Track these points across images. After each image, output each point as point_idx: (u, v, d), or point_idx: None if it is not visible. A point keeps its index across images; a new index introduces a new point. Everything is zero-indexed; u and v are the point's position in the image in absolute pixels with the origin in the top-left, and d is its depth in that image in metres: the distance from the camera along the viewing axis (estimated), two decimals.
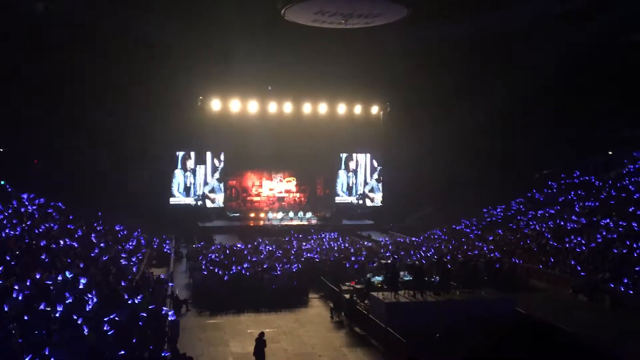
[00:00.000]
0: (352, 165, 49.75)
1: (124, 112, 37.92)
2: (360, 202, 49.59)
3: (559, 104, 40.22)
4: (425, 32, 35.12)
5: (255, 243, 33.26)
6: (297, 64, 39.32)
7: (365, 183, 49.81)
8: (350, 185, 49.56)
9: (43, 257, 18.28)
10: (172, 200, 44.50)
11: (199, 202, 45.34)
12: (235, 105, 43.71)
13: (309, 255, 29.43)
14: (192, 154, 45.31)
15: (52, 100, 35.04)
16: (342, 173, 49.53)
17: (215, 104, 43.41)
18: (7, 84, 32.10)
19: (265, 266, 25.39)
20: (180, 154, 44.89)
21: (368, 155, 49.90)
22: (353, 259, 27.95)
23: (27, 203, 27.47)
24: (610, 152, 42.96)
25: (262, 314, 21.26)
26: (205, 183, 45.82)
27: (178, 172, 45.09)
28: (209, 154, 45.83)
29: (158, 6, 31.37)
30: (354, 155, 49.73)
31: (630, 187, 35.20)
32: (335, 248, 32.22)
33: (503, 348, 1.44)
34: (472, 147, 43.50)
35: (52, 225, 24.75)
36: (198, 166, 45.54)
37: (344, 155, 49.52)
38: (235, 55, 35.76)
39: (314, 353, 17.25)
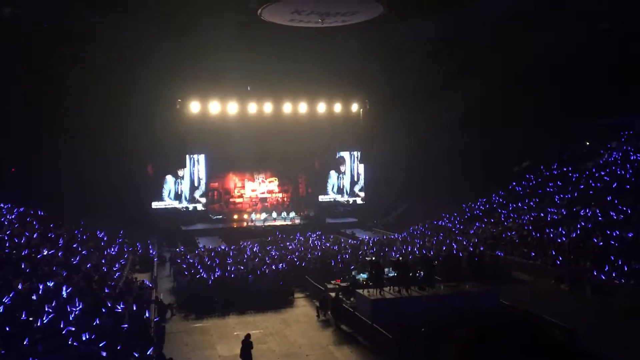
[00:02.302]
0: (342, 168, 49.98)
1: (102, 116, 37.46)
2: (351, 200, 49.69)
3: (536, 97, 40.72)
4: (401, 29, 35.29)
5: (240, 245, 33.17)
6: (275, 63, 39.29)
7: (356, 182, 49.91)
8: (341, 186, 49.71)
9: (24, 266, 18.03)
10: (155, 205, 44.20)
11: (190, 207, 45.13)
12: (214, 106, 43.54)
13: (293, 255, 29.42)
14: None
15: (27, 107, 34.56)
16: (332, 174, 49.61)
17: (194, 106, 43.19)
18: None
19: (250, 267, 25.35)
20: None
21: (357, 153, 50.04)
22: (338, 257, 28.02)
23: (5, 212, 27.05)
24: (587, 143, 43.58)
25: (248, 316, 21.22)
26: (196, 187, 45.65)
27: (169, 178, 44.85)
28: (198, 157, 45.65)
29: (132, 8, 31.07)
30: (342, 154, 49.84)
31: (606, 177, 35.76)
32: (319, 247, 32.26)
33: (495, 350, 1.46)
34: (451, 142, 43.83)
35: (32, 234, 24.41)
36: (183, 170, 45.35)
37: (339, 156, 49.61)
38: (212, 56, 35.64)
39: (301, 353, 17.27)
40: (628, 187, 32.99)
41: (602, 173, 36.73)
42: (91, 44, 34.25)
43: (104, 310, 15.68)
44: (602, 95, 38.38)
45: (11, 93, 33.38)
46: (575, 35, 34.77)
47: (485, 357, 1.46)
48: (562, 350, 1.47)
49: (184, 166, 45.43)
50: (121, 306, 16.64)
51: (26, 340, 11.82)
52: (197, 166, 45.95)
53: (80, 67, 34.57)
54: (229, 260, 27.65)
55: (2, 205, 27.87)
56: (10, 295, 14.08)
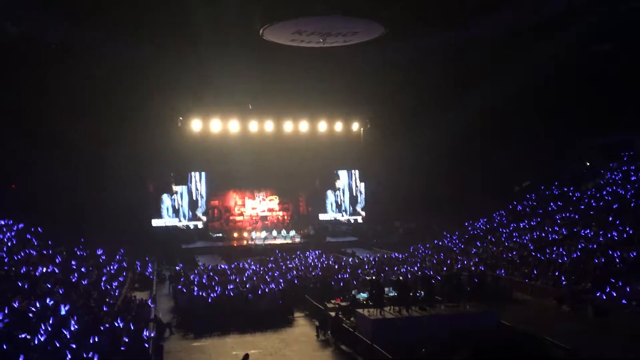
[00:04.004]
0: (338, 184, 49.85)
1: (103, 133, 37.56)
2: (352, 220, 49.55)
3: (537, 115, 40.86)
4: (402, 48, 35.60)
5: (239, 264, 33.02)
6: (277, 81, 39.52)
7: (357, 201, 49.83)
8: (339, 203, 49.61)
9: (22, 283, 17.96)
10: (155, 222, 44.12)
11: (191, 225, 45.04)
12: (216, 124, 43.70)
13: (293, 273, 29.28)
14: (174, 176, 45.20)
15: (28, 123, 34.67)
16: (329, 193, 49.56)
17: (195, 124, 43.33)
18: None
19: (249, 286, 25.19)
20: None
21: (357, 171, 50.01)
22: (338, 276, 27.87)
23: (4, 230, 27.00)
24: (587, 163, 43.64)
25: (247, 335, 21.02)
26: (196, 205, 45.61)
27: (165, 197, 44.84)
28: (198, 174, 45.64)
29: (134, 27, 31.36)
30: (339, 173, 49.82)
31: (608, 197, 35.73)
32: (319, 266, 32.11)
33: None
34: (451, 161, 43.89)
35: (31, 251, 24.35)
36: (181, 186, 45.34)
37: (334, 173, 49.57)
38: (214, 74, 35.86)
39: None
40: (630, 206, 32.94)
41: (604, 193, 36.72)
42: (92, 62, 34.51)
43: (102, 329, 15.57)
44: (603, 115, 38.51)
45: (11, 109, 33.51)
46: (577, 54, 35.06)
47: None
48: None
49: (185, 183, 45.42)
50: (119, 324, 16.52)
51: (23, 358, 11.73)
52: (197, 184, 45.96)
53: (80, 84, 34.73)
54: (229, 279, 27.49)
55: (1, 221, 27.81)
56: (7, 313, 14.01)
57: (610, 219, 31.81)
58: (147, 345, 16.29)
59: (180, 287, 25.98)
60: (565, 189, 40.28)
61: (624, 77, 36.22)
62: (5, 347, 12.03)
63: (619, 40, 34.78)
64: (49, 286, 18.80)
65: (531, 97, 39.40)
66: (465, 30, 33.66)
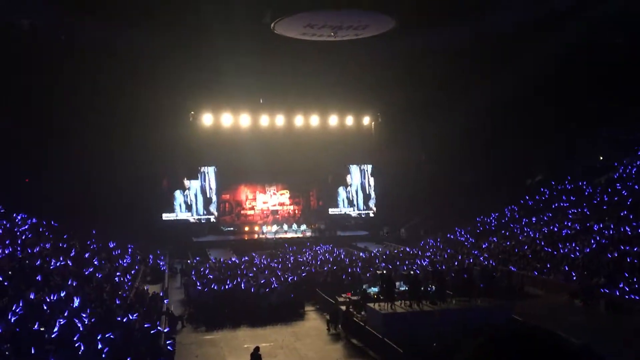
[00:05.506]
0: (349, 179, 49.74)
1: (114, 127, 37.76)
2: (363, 214, 49.45)
3: (549, 109, 40.52)
4: (413, 42, 35.44)
5: (250, 257, 33.15)
6: (288, 75, 39.51)
7: (368, 195, 49.73)
8: (350, 198, 49.51)
9: (36, 276, 18.13)
10: (165, 216, 44.34)
11: (202, 219, 45.22)
12: (227, 119, 43.80)
13: (304, 267, 29.34)
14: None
15: (41, 118, 34.94)
16: (341, 190, 49.45)
17: (207, 119, 43.46)
18: None
19: (261, 280, 25.29)
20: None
21: (369, 166, 49.89)
22: (349, 270, 27.90)
23: (19, 222, 27.28)
24: (600, 157, 43.23)
25: (259, 329, 21.12)
26: (208, 199, 45.79)
27: (178, 194, 45.02)
28: (210, 169, 45.80)
29: (145, 22, 31.45)
30: (351, 167, 49.72)
31: (623, 191, 35.39)
32: (331, 260, 32.15)
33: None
34: (463, 155, 43.65)
35: (45, 244, 24.58)
36: (193, 181, 45.49)
37: (345, 168, 49.46)
38: (225, 68, 35.90)
39: None
40: None
41: (617, 187, 36.37)
42: (104, 57, 34.67)
43: (115, 321, 15.70)
44: (616, 109, 38.12)
45: (24, 104, 33.79)
46: (588, 47, 34.69)
47: None
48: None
49: (196, 178, 45.58)
50: (132, 317, 16.65)
51: (38, 350, 11.86)
52: (208, 178, 46.09)
53: (93, 79, 34.95)
54: (240, 272, 27.61)
55: (15, 215, 28.10)
56: (22, 305, 14.16)
57: (624, 213, 31.51)
58: (159, 338, 16.42)
59: (192, 280, 26.16)
60: (579, 184, 39.94)
61: (635, 69, 35.75)
62: (20, 339, 12.17)
63: (631, 31, 34.37)
64: (64, 280, 18.96)
65: (545, 90, 39.02)
66: (474, 24, 33.44)
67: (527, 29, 34.68)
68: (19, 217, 28.09)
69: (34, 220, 28.97)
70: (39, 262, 20.05)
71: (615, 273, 24.37)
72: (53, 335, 12.96)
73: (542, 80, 37.23)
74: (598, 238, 29.32)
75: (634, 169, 38.40)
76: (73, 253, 24.90)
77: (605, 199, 35.37)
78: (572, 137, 42.68)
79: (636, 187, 35.32)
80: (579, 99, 39.04)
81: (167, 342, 16.81)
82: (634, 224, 29.62)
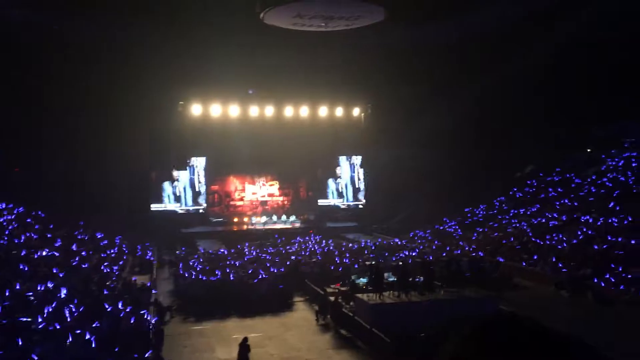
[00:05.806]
0: (338, 171, 49.69)
1: (103, 117, 37.45)
2: (352, 205, 49.43)
3: (538, 102, 40.69)
4: (404, 34, 35.36)
5: (239, 247, 33.10)
6: (277, 66, 39.31)
7: (357, 187, 49.72)
8: (340, 190, 49.50)
9: (22, 267, 18.00)
10: (154, 207, 44.11)
11: (191, 210, 45.03)
12: (216, 109, 43.55)
13: (293, 258, 29.35)
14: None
15: (30, 108, 34.60)
16: (330, 182, 49.42)
17: (195, 109, 43.19)
18: None
19: (249, 271, 25.27)
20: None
21: (358, 157, 49.87)
22: (337, 261, 27.94)
23: (5, 213, 27.02)
24: (589, 150, 43.52)
25: (248, 319, 21.11)
26: (197, 190, 45.56)
27: (166, 185, 44.76)
28: (199, 160, 45.57)
29: (134, 11, 31.14)
30: (340, 159, 49.67)
31: (609, 184, 35.69)
32: (319, 251, 32.18)
33: (489, 351, 1.40)
34: (452, 147, 43.73)
35: (31, 234, 24.39)
36: (182, 172, 45.26)
37: (334, 160, 49.37)
38: (214, 59, 35.64)
39: (300, 356, 17.18)
40: (632, 192, 32.90)
41: (604, 179, 36.66)
42: (93, 47, 34.33)
43: (102, 312, 15.63)
44: (605, 102, 38.34)
45: (14, 94, 33.42)
46: (577, 42, 34.82)
47: (482, 351, 1.42)
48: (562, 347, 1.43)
49: (185, 168, 45.33)
50: (120, 308, 16.58)
51: (25, 341, 11.78)
52: (197, 171, 45.85)
53: (82, 69, 34.63)
54: (229, 263, 27.58)
55: (2, 205, 27.82)
56: (8, 296, 14.05)
57: (611, 205, 31.79)
58: (148, 329, 16.37)
59: (180, 271, 26.08)
60: (567, 176, 40.20)
61: (626, 63, 35.96)
62: (6, 330, 12.08)
63: (619, 30, 34.53)
64: (51, 270, 18.84)
65: (534, 84, 39.16)
66: (466, 19, 33.44)
67: (519, 23, 34.71)
68: (3, 205, 27.77)
69: (20, 209, 28.71)
70: (24, 253, 19.89)
71: (601, 264, 24.59)
72: (40, 326, 12.88)
73: (532, 73, 37.35)
74: (585, 229, 29.57)
75: (621, 162, 38.74)
76: (59, 243, 24.73)
77: (593, 191, 35.65)
78: (560, 130, 42.86)
79: (623, 179, 35.64)
80: (568, 93, 39.17)
81: (155, 332, 16.77)
82: (621, 215, 29.90)
